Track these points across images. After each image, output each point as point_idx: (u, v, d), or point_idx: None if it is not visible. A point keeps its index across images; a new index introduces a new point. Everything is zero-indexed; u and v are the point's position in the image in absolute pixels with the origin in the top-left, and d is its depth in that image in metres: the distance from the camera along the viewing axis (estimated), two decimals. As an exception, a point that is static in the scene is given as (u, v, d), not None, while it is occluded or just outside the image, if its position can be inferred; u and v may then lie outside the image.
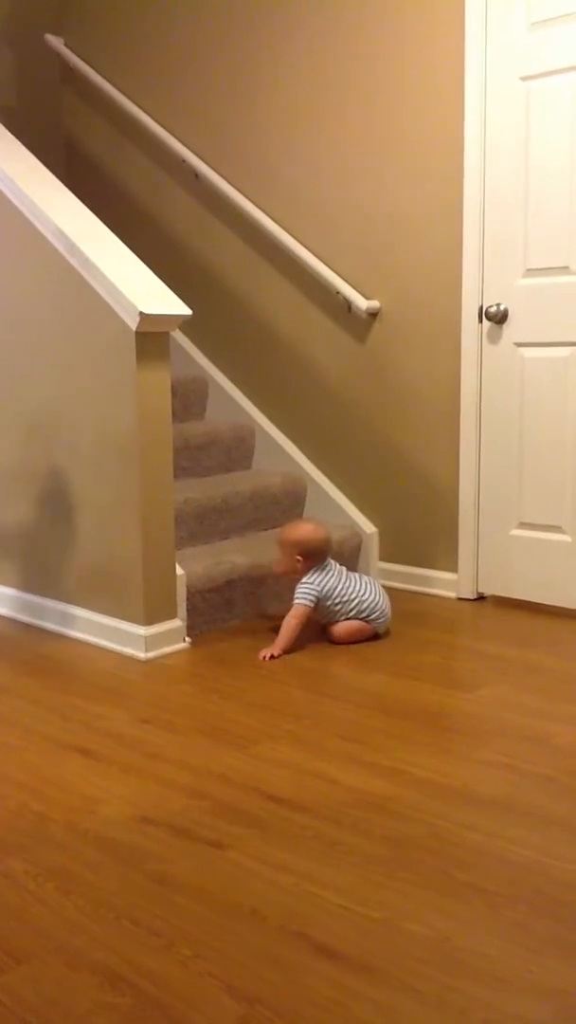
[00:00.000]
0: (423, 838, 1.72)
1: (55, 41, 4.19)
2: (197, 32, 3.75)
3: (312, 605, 2.78)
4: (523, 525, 3.16)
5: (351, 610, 2.82)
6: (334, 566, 2.87)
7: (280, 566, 2.88)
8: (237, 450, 3.73)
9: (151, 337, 2.66)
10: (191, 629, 2.90)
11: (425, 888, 1.56)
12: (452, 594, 3.34)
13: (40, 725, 2.26)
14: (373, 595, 2.85)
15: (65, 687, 2.51)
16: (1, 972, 1.36)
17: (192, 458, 3.52)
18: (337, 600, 2.80)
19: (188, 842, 1.72)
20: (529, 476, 3.12)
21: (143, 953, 1.40)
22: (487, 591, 3.30)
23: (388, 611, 2.89)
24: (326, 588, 2.79)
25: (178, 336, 3.98)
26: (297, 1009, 1.27)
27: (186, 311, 2.69)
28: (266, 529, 3.47)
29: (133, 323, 2.60)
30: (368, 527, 3.53)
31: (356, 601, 2.82)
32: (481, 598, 3.32)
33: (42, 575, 3.04)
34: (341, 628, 2.83)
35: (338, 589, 2.81)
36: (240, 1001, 1.29)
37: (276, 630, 2.82)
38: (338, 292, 3.43)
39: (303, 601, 2.78)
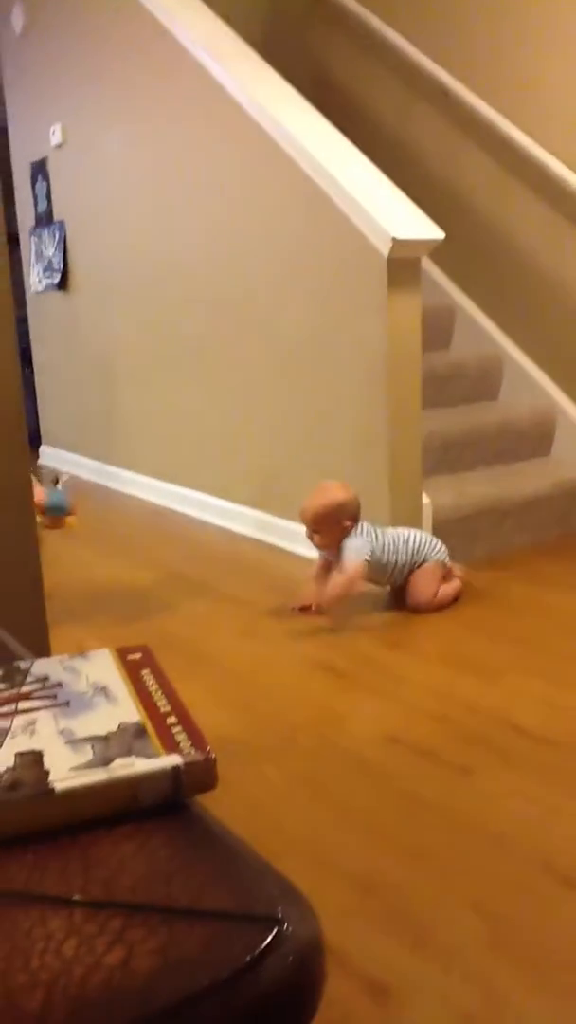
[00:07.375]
0: None
1: (307, -34, 4.16)
2: None
3: (369, 559, 2.48)
4: None
5: (405, 556, 2.52)
6: None
7: (326, 539, 2.50)
8: (483, 381, 3.63)
9: (403, 263, 2.62)
10: (435, 559, 2.89)
11: None
12: None
13: (290, 643, 2.35)
14: (409, 531, 2.57)
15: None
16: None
17: (437, 388, 3.47)
18: (391, 548, 2.51)
19: (434, 765, 1.73)
20: None
21: (391, 864, 1.43)
22: None
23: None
24: (376, 539, 2.51)
25: (424, 262, 3.90)
26: (543, 938, 1.26)
27: (439, 235, 2.63)
28: (512, 462, 3.38)
29: (385, 249, 2.57)
30: (623, 461, 3.35)
31: (403, 544, 2.53)
32: None
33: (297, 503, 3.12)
34: (436, 589, 2.54)
35: (383, 538, 2.52)
36: (487, 920, 1.29)
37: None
38: (599, 210, 3.23)
39: (362, 557, 2.46)
